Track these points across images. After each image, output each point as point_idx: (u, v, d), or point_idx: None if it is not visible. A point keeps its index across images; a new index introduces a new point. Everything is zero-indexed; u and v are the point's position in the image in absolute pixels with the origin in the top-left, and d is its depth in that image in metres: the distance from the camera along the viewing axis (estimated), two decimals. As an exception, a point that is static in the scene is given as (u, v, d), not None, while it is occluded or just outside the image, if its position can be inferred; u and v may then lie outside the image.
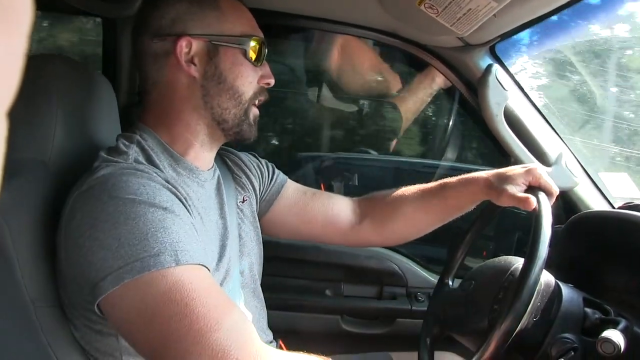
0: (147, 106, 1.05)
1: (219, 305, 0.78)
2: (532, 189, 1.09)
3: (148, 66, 1.02)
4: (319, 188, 1.78)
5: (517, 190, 1.09)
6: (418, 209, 1.28)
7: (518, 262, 1.06)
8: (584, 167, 1.57)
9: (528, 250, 0.94)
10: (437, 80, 1.76)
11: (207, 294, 0.78)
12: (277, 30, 1.76)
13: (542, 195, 1.05)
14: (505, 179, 1.12)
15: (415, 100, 1.88)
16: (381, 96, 2.09)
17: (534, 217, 0.99)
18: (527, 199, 1.04)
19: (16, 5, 0.24)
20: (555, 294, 1.03)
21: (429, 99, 1.87)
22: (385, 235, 1.34)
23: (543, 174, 1.10)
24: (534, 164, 1.16)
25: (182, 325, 0.75)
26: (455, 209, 1.25)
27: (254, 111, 1.07)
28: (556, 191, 1.11)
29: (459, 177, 1.23)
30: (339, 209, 1.32)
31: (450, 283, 1.26)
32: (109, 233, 0.78)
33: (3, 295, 0.87)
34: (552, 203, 1.07)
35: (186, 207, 0.91)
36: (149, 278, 0.76)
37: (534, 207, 1.02)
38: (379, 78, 2.05)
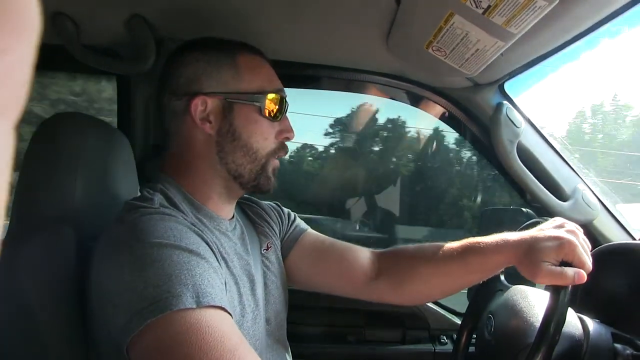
0: (168, 158, 1.07)
1: (235, 350, 0.76)
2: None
3: (168, 121, 1.06)
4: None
5: (552, 267, 0.95)
6: (436, 272, 1.18)
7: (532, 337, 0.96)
8: (601, 199, 1.56)
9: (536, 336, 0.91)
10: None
11: (224, 338, 0.76)
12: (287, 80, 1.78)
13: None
14: (537, 254, 0.97)
15: None
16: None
17: (553, 297, 0.93)
18: (563, 274, 0.93)
19: (21, 12, 0.23)
20: (582, 332, 1.01)
21: None
22: (401, 295, 1.25)
23: (577, 247, 0.96)
24: (567, 227, 1.02)
25: None
26: (477, 276, 1.15)
27: (274, 163, 1.08)
28: (589, 268, 0.96)
29: (484, 242, 1.09)
30: (354, 260, 1.26)
31: None
32: (135, 275, 0.78)
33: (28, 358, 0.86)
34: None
35: (212, 250, 0.91)
36: (169, 318, 0.75)
37: (570, 282, 0.92)
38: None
